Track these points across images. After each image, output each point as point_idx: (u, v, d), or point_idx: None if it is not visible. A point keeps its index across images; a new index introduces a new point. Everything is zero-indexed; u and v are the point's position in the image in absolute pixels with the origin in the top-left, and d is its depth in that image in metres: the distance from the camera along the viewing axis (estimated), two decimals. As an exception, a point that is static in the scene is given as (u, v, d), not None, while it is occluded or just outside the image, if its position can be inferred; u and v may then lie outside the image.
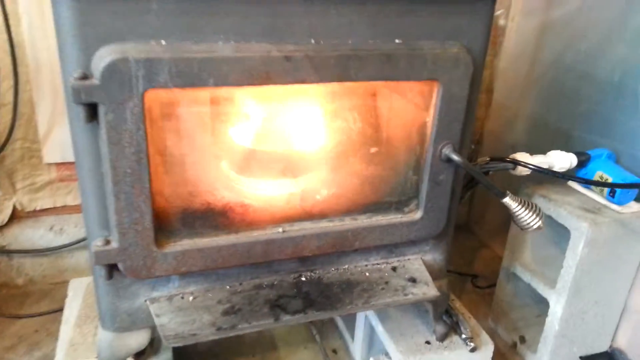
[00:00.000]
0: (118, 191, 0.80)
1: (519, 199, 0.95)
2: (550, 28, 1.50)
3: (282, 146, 0.93)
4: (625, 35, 1.27)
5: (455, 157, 0.91)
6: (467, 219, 1.95)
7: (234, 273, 0.96)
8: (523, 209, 0.94)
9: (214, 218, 0.89)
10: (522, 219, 0.94)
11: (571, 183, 1.35)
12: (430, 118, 0.91)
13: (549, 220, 1.35)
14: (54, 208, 1.58)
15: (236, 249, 0.90)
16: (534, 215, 0.93)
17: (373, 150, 0.94)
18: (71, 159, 1.53)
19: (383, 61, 0.83)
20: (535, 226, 0.94)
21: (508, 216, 1.61)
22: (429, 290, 1.00)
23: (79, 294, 1.24)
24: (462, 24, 0.87)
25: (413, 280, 1.02)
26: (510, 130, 1.65)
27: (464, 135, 0.94)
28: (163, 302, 0.93)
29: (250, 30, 0.78)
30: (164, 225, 0.87)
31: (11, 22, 1.36)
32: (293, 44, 0.80)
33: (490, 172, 1.21)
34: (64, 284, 1.38)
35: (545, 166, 1.23)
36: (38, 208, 1.56)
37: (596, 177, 1.27)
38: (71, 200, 1.58)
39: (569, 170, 1.25)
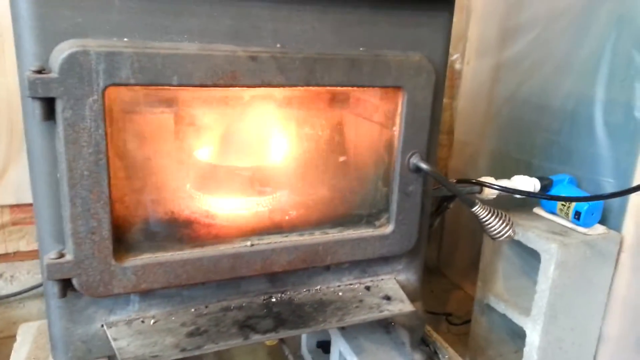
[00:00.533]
0: (74, 196, 0.75)
1: (489, 208, 0.94)
2: (504, 66, 1.57)
3: (247, 160, 0.91)
4: (575, 67, 1.35)
5: (423, 165, 0.91)
6: (437, 262, 1.93)
7: (199, 295, 0.90)
8: (493, 217, 0.93)
9: (178, 230, 0.85)
10: (493, 228, 0.93)
11: (536, 209, 1.36)
12: (396, 127, 0.92)
13: (518, 248, 1.35)
14: (5, 254, 1.48)
15: (202, 263, 0.84)
16: (504, 224, 0.93)
17: (341, 159, 0.93)
18: (26, 200, 1.48)
19: (348, 66, 0.84)
20: (506, 234, 0.93)
21: (477, 256, 1.61)
22: (404, 306, 0.96)
23: (28, 338, 1.13)
24: (422, 35, 0.90)
25: (387, 298, 0.97)
26: (474, 166, 1.68)
27: (431, 145, 0.95)
28: (121, 326, 0.85)
29: (215, 31, 0.78)
30: (124, 236, 0.81)
31: (-31, 60, 1.34)
32: (259, 46, 0.80)
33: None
34: (13, 338, 1.26)
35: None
36: (-13, 255, 1.46)
37: (559, 202, 1.29)
38: (24, 245, 1.49)
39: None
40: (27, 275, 1.49)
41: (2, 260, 1.48)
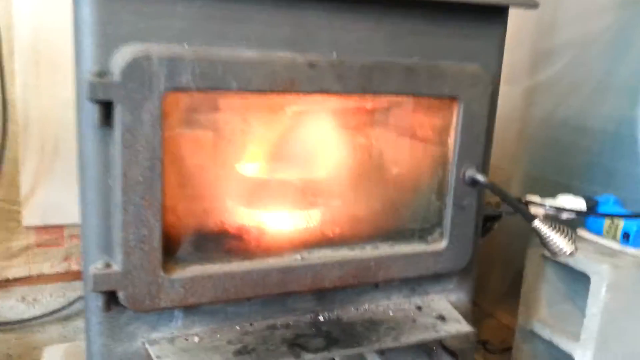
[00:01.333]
0: (127, 202, 0.72)
1: (550, 222, 0.90)
2: (539, 89, 1.56)
3: (298, 172, 0.88)
4: (615, 87, 1.33)
5: (480, 178, 0.88)
6: (467, 290, 1.87)
7: (244, 312, 0.86)
8: (555, 232, 0.89)
9: (227, 241, 0.81)
10: (555, 244, 0.89)
11: (581, 231, 1.32)
12: (451, 139, 0.89)
13: (562, 272, 1.30)
14: (29, 277, 1.44)
15: (251, 276, 0.81)
16: (567, 239, 0.89)
17: (394, 171, 0.90)
18: (52, 222, 1.45)
19: (405, 74, 0.82)
20: (568, 251, 0.89)
21: (512, 283, 1.56)
22: (462, 327, 0.91)
23: (55, 361, 1.09)
24: (476, 46, 0.89)
25: (442, 318, 0.93)
26: (507, 190, 1.65)
27: (486, 158, 0.92)
28: (164, 344, 0.81)
29: (273, 38, 0.77)
30: (173, 246, 0.78)
31: (6, 79, 1.34)
32: (315, 54, 0.79)
33: (503, 215, 1.18)
34: (34, 365, 1.21)
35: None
36: (11, 277, 1.42)
37: (607, 222, 1.25)
38: (48, 268, 1.45)
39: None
40: (49, 298, 1.44)
41: (25, 283, 1.44)
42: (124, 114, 0.70)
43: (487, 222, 1.18)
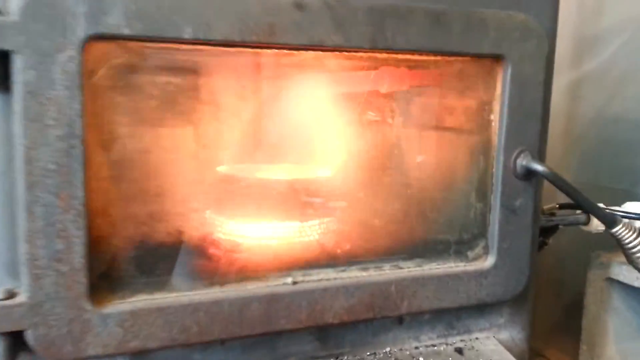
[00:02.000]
0: (33, 201, 0.50)
1: (634, 228, 0.66)
2: (586, 81, 1.33)
3: (288, 165, 0.65)
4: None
5: (538, 166, 0.64)
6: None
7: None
8: (643, 240, 0.64)
9: (188, 259, 0.58)
10: (643, 255, 0.64)
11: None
12: (495, 115, 0.66)
13: (634, 300, 1.04)
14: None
15: (221, 309, 0.57)
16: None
17: (419, 159, 0.66)
18: None
19: (431, 23, 0.60)
20: (666, 266, 0.64)
21: (564, 315, 1.29)
22: (519, 377, 0.65)
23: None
24: (525, -9, 0.66)
25: (491, 364, 0.67)
26: (552, 200, 1.39)
27: (542, 141, 0.68)
28: (99, 410, 0.57)
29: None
30: (105, 266, 0.55)
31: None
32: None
33: (560, 226, 0.93)
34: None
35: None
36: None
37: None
38: None
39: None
40: None
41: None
42: (25, 71, 0.48)
43: (539, 235, 0.93)
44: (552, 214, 0.95)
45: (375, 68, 0.64)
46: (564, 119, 1.37)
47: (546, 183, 0.86)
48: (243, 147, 0.57)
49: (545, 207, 0.95)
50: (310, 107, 0.62)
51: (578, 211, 0.95)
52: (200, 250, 0.57)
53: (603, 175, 1.26)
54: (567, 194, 0.68)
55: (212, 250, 0.57)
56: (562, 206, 0.94)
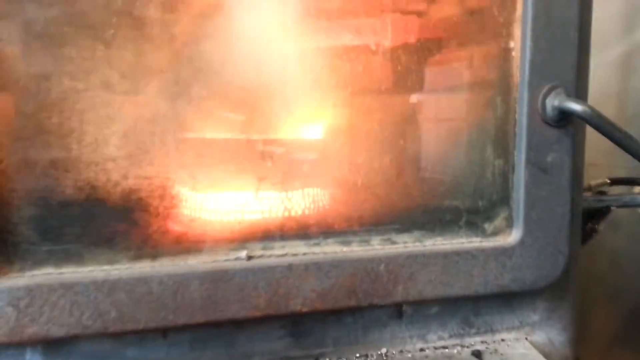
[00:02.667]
0: None
1: None
2: (638, 53, 1.14)
3: (241, 101, 0.51)
4: None
5: (576, 106, 0.48)
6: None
7: (155, 358, 0.48)
8: None
9: (106, 223, 0.45)
10: None
11: None
12: (516, 42, 0.50)
13: None
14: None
15: (149, 289, 0.44)
16: None
17: (414, 99, 0.51)
18: None
19: None
20: None
21: (626, 323, 1.09)
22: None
23: None
24: None
25: (520, 372, 0.50)
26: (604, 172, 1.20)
27: (581, 75, 0.52)
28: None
29: None
30: (-2, 228, 0.43)
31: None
32: None
33: (612, 208, 0.75)
34: None
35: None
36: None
37: None
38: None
39: None
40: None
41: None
42: None
43: (587, 221, 0.76)
44: (602, 192, 0.77)
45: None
46: (616, 99, 1.18)
47: (591, 141, 0.69)
48: (179, 77, 0.44)
49: (593, 182, 0.78)
50: (272, 29, 0.48)
51: (638, 188, 0.78)
52: (122, 213, 0.44)
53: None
54: (621, 146, 0.52)
55: (138, 213, 0.44)
56: (615, 181, 0.76)
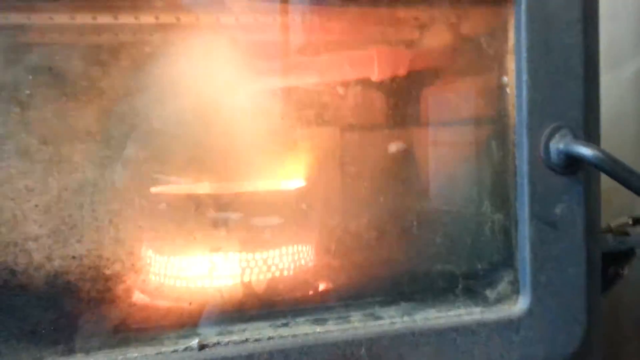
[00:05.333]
0: None
1: None
2: (657, 70, 1.06)
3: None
4: None
5: (585, 150, 0.40)
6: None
7: None
8: None
9: (32, 312, 0.38)
10: None
11: None
12: (511, 76, 0.43)
13: None
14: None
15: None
16: None
17: (394, 148, 0.44)
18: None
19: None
20: None
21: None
22: None
23: None
24: None
25: None
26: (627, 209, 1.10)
27: (590, 112, 0.45)
28: None
29: None
30: None
31: None
32: None
33: (638, 250, 0.66)
34: None
35: None
36: None
37: None
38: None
39: None
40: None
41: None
42: None
43: (608, 265, 0.67)
44: (625, 233, 0.68)
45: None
46: (633, 120, 1.09)
47: (607, 185, 0.61)
48: (110, 139, 0.38)
49: (613, 223, 0.69)
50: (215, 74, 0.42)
51: (663, 227, 0.69)
52: (47, 300, 0.37)
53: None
54: (637, 192, 0.43)
55: (67, 300, 0.38)
56: (638, 220, 0.68)
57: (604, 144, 0.95)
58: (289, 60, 0.42)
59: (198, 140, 0.40)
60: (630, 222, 0.67)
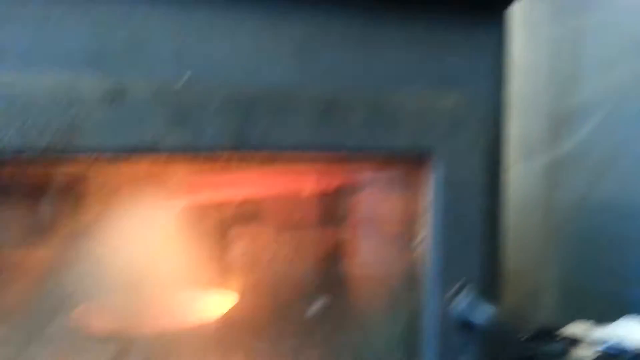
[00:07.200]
0: None
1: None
2: (563, 164, 1.16)
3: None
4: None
5: (477, 317, 0.45)
6: None
7: None
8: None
9: None
10: None
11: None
12: (420, 236, 0.47)
13: None
14: None
15: None
16: None
17: (313, 309, 0.46)
18: None
19: (318, 111, 0.43)
20: None
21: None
22: None
23: None
24: (458, 61, 0.50)
25: None
26: (534, 304, 1.19)
27: (495, 267, 0.50)
28: None
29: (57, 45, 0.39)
30: None
31: None
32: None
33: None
34: None
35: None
36: None
37: None
38: None
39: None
40: None
41: None
42: None
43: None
44: (529, 341, 0.75)
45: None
46: (541, 209, 1.19)
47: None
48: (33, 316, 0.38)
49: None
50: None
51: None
52: None
53: (590, 274, 1.07)
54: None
55: None
56: (540, 333, 0.74)
57: (513, 230, 1.04)
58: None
59: (129, 316, 0.41)
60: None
